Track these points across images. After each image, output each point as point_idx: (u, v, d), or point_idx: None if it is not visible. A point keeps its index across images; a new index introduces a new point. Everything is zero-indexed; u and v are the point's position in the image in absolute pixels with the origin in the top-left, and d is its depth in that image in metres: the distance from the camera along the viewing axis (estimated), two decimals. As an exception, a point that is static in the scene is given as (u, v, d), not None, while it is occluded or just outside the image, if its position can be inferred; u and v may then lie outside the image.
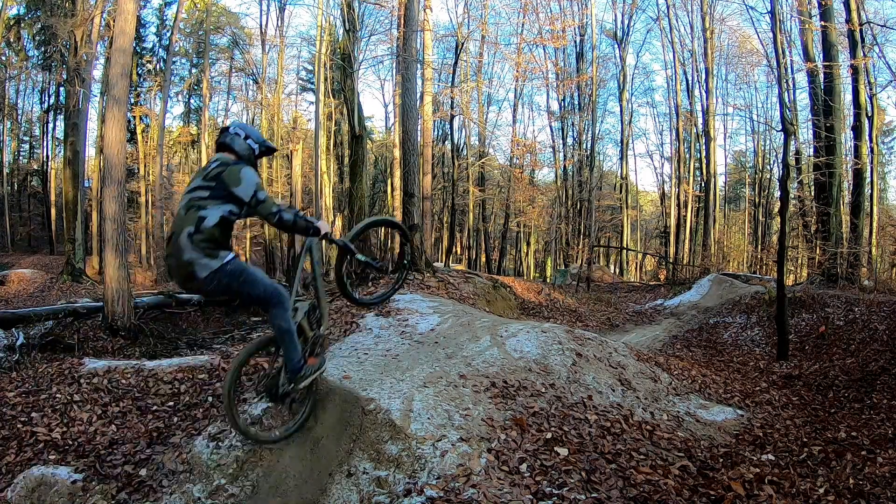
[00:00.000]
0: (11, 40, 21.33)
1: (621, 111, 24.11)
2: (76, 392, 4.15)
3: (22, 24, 21.36)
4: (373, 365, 4.17)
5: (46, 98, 24.94)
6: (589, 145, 22.35)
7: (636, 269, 28.79)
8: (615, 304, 12.41)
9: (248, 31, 25.02)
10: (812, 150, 13.87)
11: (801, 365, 6.28)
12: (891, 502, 2.66)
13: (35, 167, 27.04)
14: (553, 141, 24.27)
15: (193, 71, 25.62)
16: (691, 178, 22.85)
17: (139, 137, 23.59)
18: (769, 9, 7.65)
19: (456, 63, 17.10)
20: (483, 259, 23.81)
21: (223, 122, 26.88)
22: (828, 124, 11.32)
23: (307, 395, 3.10)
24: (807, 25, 12.12)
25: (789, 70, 13.13)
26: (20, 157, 27.48)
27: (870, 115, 13.07)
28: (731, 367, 6.36)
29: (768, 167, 25.00)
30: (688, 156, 22.72)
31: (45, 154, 25.89)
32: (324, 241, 3.29)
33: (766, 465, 3.12)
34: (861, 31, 11.60)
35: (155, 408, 4.05)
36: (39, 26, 21.05)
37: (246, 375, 3.73)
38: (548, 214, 24.66)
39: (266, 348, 3.10)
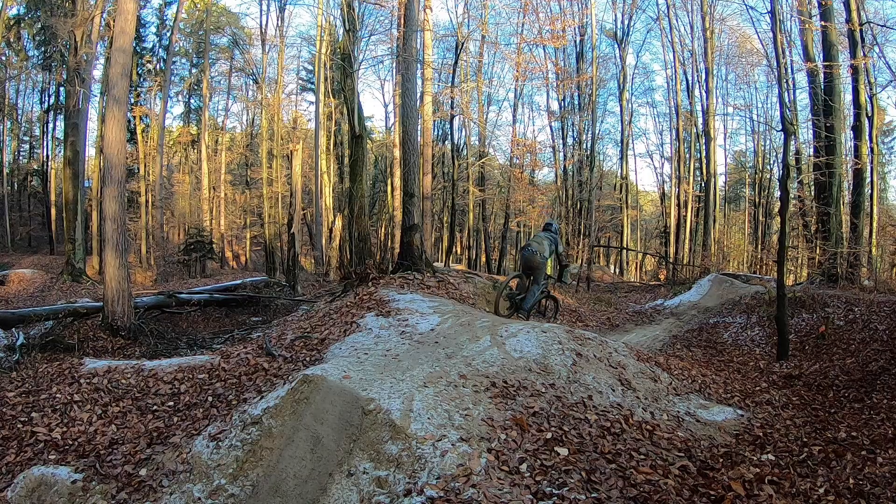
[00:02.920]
0: (11, 40, 21.33)
1: (621, 111, 24.12)
2: (76, 392, 4.15)
3: (22, 24, 21.36)
4: (373, 365, 4.17)
5: (46, 98, 24.96)
6: (589, 145, 22.35)
7: (636, 269, 28.79)
8: (615, 304, 12.41)
9: (248, 31, 25.04)
10: (812, 150, 13.88)
11: (801, 365, 6.28)
12: (891, 502, 2.65)
13: (35, 167, 27.04)
14: (553, 141, 24.28)
15: (193, 71, 25.63)
16: (691, 178, 22.84)
17: (139, 137, 23.59)
18: (769, 9, 7.64)
19: (456, 63, 17.10)
20: (483, 259, 23.80)
21: (223, 122, 26.91)
22: (828, 124, 11.31)
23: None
24: (807, 25, 12.12)
25: (789, 70, 13.13)
26: (20, 157, 27.48)
27: (870, 115, 13.07)
28: (731, 367, 6.36)
29: (768, 167, 25.00)
30: (688, 156, 22.71)
31: (45, 154, 25.90)
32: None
33: (766, 465, 3.12)
34: (861, 31, 11.60)
35: (155, 408, 4.05)
36: (39, 26, 21.06)
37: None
38: (548, 214, 24.65)
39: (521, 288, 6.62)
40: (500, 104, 26.90)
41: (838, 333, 7.27)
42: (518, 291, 6.55)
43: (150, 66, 24.43)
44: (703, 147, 20.56)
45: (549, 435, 3.15)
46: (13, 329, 6.88)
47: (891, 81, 13.59)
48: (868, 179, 12.98)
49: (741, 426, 3.96)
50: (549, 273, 6.60)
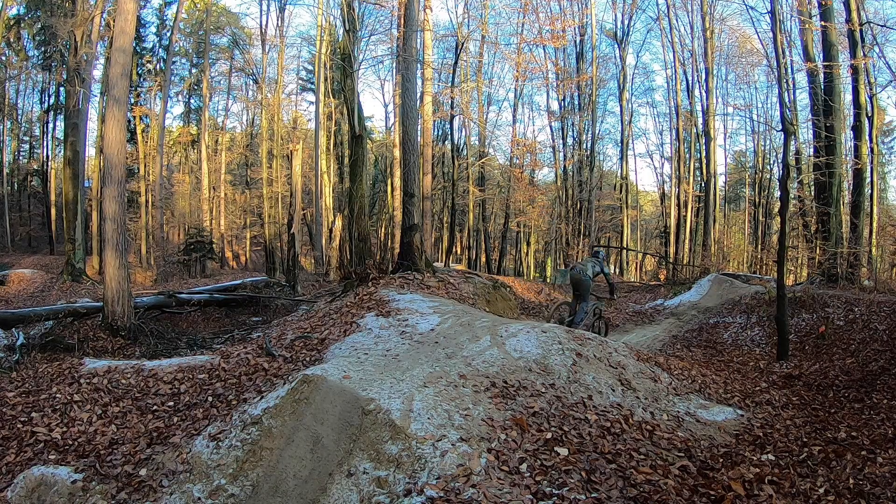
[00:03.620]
0: (11, 40, 21.33)
1: (621, 111, 24.11)
2: (76, 392, 4.15)
3: (22, 24, 21.36)
4: (373, 365, 4.17)
5: (46, 98, 24.96)
6: (589, 145, 22.35)
7: (636, 269, 28.79)
8: (615, 304, 12.39)
9: (248, 31, 25.05)
10: (812, 150, 13.88)
11: (801, 365, 6.28)
12: (891, 502, 2.65)
13: (35, 167, 27.04)
14: (553, 141, 24.27)
15: (193, 71, 25.62)
16: (691, 178, 22.84)
17: (139, 137, 23.59)
18: (769, 9, 7.64)
19: (456, 63, 17.10)
20: (483, 259, 23.80)
21: (223, 122, 26.91)
22: (828, 124, 11.31)
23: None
24: (807, 25, 12.12)
25: (789, 70, 13.13)
26: (20, 157, 27.48)
27: (870, 115, 13.07)
28: (731, 367, 6.36)
29: (768, 167, 24.99)
30: (688, 156, 22.71)
31: (45, 154, 25.90)
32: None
33: (766, 465, 3.12)
34: (861, 31, 11.60)
35: (155, 408, 4.05)
36: (39, 26, 21.06)
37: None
38: (548, 214, 24.65)
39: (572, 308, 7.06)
40: (500, 104, 26.94)
41: (838, 333, 7.27)
42: (570, 314, 7.12)
43: (150, 66, 24.43)
44: (703, 147, 20.56)
45: (549, 435, 3.15)
46: (13, 329, 6.88)
47: (891, 81, 13.59)
48: (868, 179, 12.98)
49: (741, 426, 3.96)
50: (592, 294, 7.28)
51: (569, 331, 4.89)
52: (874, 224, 13.53)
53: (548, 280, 21.08)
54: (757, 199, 25.20)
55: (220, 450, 3.04)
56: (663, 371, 4.80)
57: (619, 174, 26.68)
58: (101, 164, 9.83)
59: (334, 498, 2.76)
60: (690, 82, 21.48)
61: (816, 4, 11.75)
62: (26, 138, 27.65)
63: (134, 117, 23.42)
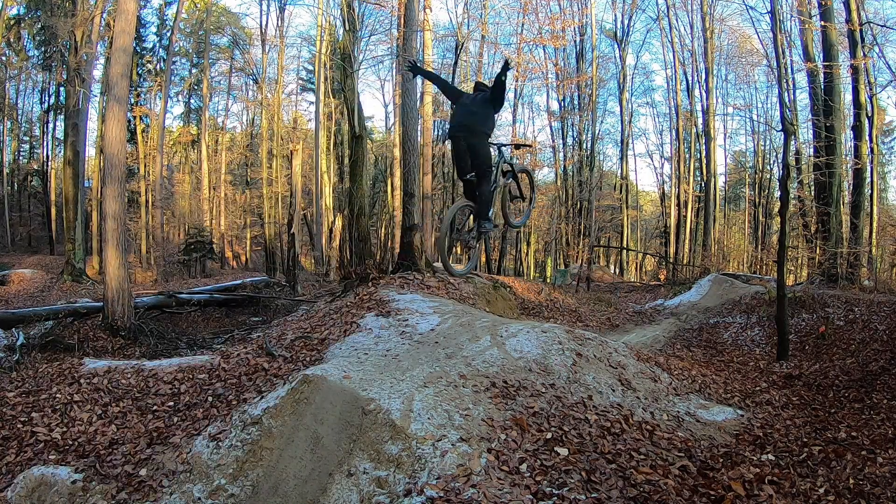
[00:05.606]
0: (11, 40, 21.32)
1: (621, 111, 24.13)
2: (76, 392, 4.15)
3: (22, 24, 21.36)
4: (373, 365, 4.17)
5: (46, 98, 24.95)
6: (589, 145, 22.36)
7: (636, 269, 28.78)
8: (615, 304, 12.40)
9: (248, 31, 25.05)
10: (812, 150, 13.87)
11: (801, 365, 6.28)
12: (891, 502, 2.65)
13: (35, 167, 27.03)
14: (553, 141, 24.27)
15: (193, 71, 25.62)
16: (691, 178, 22.84)
17: (139, 137, 23.59)
18: (769, 9, 7.65)
19: (456, 63, 17.09)
20: (483, 259, 23.78)
21: (223, 122, 26.93)
22: (828, 124, 11.31)
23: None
24: (807, 25, 12.12)
25: (789, 70, 13.13)
26: (20, 157, 27.46)
27: (870, 114, 13.06)
28: (731, 367, 6.35)
29: (768, 167, 24.99)
30: (688, 156, 22.71)
31: (45, 154, 25.89)
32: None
33: (766, 465, 3.12)
34: (861, 31, 11.59)
35: (155, 408, 4.05)
36: (39, 26, 21.05)
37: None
38: (548, 214, 24.65)
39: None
40: (500, 104, 26.81)
41: (838, 333, 7.26)
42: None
43: (150, 66, 24.44)
44: (703, 147, 20.58)
45: (549, 435, 3.15)
46: (13, 329, 6.88)
47: (891, 81, 13.58)
48: (868, 179, 12.98)
49: (741, 426, 3.96)
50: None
51: (569, 330, 4.89)
52: (874, 224, 13.52)
53: (548, 280, 21.06)
54: (757, 199, 25.20)
55: (220, 450, 3.04)
56: (663, 371, 4.80)
57: (619, 174, 26.69)
58: (102, 163, 9.84)
59: (334, 498, 2.76)
60: (690, 82, 21.50)
61: (816, 4, 11.75)
62: (26, 138, 27.64)
63: (134, 117, 23.41)
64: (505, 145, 4.75)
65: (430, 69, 14.29)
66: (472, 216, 4.43)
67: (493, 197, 4.48)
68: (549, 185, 26.30)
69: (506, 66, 4.22)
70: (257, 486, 2.83)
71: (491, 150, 4.39)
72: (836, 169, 11.60)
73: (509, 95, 24.98)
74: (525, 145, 5.53)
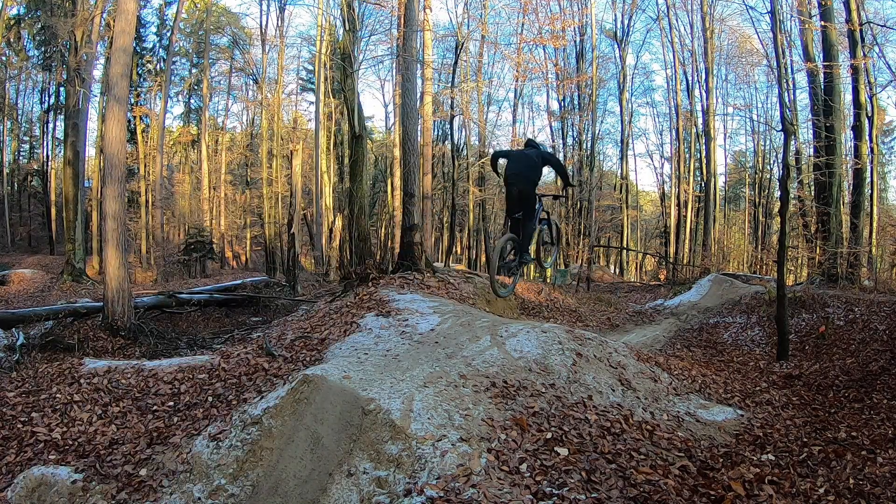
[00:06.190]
0: (11, 40, 21.32)
1: (621, 111, 24.13)
2: (76, 392, 4.15)
3: (22, 24, 21.36)
4: (373, 365, 4.17)
5: (46, 98, 24.96)
6: (589, 145, 22.37)
7: (636, 269, 28.78)
8: (615, 304, 12.40)
9: (248, 31, 25.03)
10: (812, 150, 13.87)
11: (801, 365, 6.28)
12: (891, 502, 2.65)
13: (35, 167, 27.03)
14: (553, 141, 24.26)
15: (193, 71, 25.62)
16: (691, 178, 22.84)
17: (139, 137, 23.59)
18: (769, 9, 7.64)
19: (456, 63, 17.07)
20: (483, 259, 23.78)
21: (223, 122, 26.93)
22: (828, 124, 11.31)
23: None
24: (807, 25, 12.12)
25: (789, 70, 13.13)
26: (20, 157, 27.47)
27: (870, 114, 13.06)
28: (731, 367, 6.35)
29: (768, 167, 24.99)
30: (688, 156, 22.71)
31: (45, 154, 25.90)
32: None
33: (766, 465, 3.12)
34: (861, 31, 11.59)
35: (155, 408, 4.05)
36: (39, 26, 21.05)
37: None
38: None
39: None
40: (500, 104, 26.89)
41: (838, 333, 7.26)
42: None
43: (150, 66, 24.44)
44: (703, 147, 20.57)
45: (549, 435, 3.15)
46: (13, 329, 6.88)
47: (891, 81, 13.58)
48: (868, 179, 12.98)
49: (741, 426, 3.96)
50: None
51: (569, 330, 4.89)
52: (874, 224, 13.52)
53: (548, 280, 21.07)
54: (757, 199, 25.20)
55: (220, 450, 3.04)
56: (663, 371, 4.80)
57: (619, 174, 26.69)
58: (102, 163, 9.84)
59: (334, 498, 2.76)
60: (690, 82, 21.49)
61: (816, 4, 11.75)
62: (26, 138, 27.65)
63: (134, 117, 23.42)
64: (545, 196, 5.75)
65: (429, 69, 14.34)
66: (514, 249, 5.32)
67: (533, 235, 5.39)
68: (549, 185, 26.30)
69: (567, 186, 5.87)
70: (257, 486, 2.83)
71: (536, 196, 5.33)
72: (836, 169, 11.60)
73: (510, 95, 25.08)
74: (561, 196, 6.35)
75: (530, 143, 5.51)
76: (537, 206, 5.34)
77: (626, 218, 25.38)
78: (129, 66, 7.54)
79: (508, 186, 5.22)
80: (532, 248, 5.48)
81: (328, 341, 5.54)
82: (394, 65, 20.35)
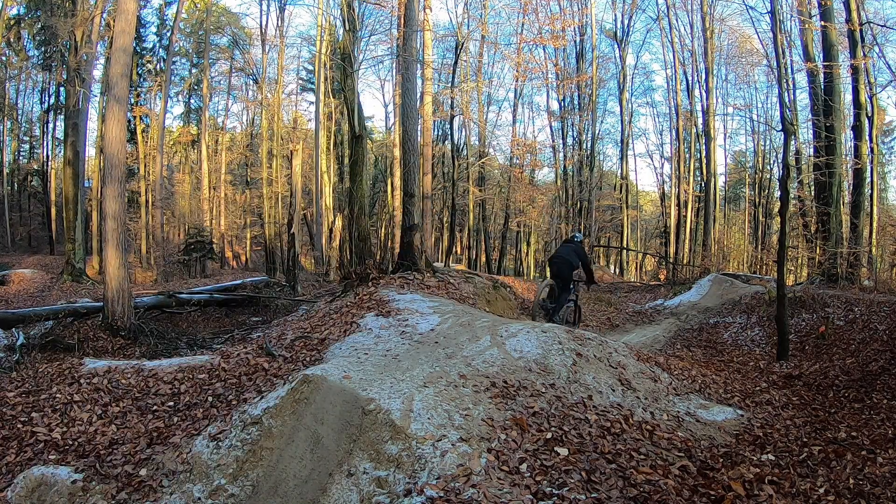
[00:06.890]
0: (11, 40, 21.32)
1: (621, 111, 24.15)
2: (76, 392, 4.15)
3: (22, 24, 21.35)
4: (373, 365, 4.17)
5: (46, 98, 24.97)
6: (589, 145, 22.38)
7: (636, 269, 28.78)
8: (615, 304, 12.40)
9: (248, 31, 25.05)
10: (812, 150, 13.88)
11: (801, 365, 6.28)
12: (891, 502, 2.66)
13: (35, 167, 27.04)
14: (553, 141, 24.29)
15: (193, 71, 25.63)
16: (691, 178, 22.85)
17: (139, 137, 23.59)
18: (769, 9, 7.64)
19: (456, 63, 17.09)
20: (483, 259, 23.80)
21: (223, 122, 26.93)
22: (828, 124, 11.31)
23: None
24: (807, 25, 12.12)
25: (789, 70, 13.14)
26: (20, 157, 27.48)
27: (870, 114, 13.06)
28: (731, 367, 6.35)
29: (768, 167, 24.99)
30: (688, 156, 22.72)
31: (45, 154, 25.90)
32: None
33: (766, 465, 3.12)
34: (861, 31, 11.59)
35: (155, 408, 4.05)
36: (39, 26, 21.04)
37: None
38: (548, 214, 24.66)
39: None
40: (500, 104, 26.94)
41: (838, 333, 7.26)
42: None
43: (150, 66, 24.44)
44: (703, 147, 20.57)
45: (549, 435, 3.15)
46: (13, 329, 6.88)
47: (891, 81, 13.59)
48: (868, 179, 12.97)
49: (741, 426, 3.96)
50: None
51: (569, 331, 4.90)
52: (874, 224, 13.52)
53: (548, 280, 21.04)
54: (757, 199, 25.21)
55: (220, 450, 3.04)
56: (663, 371, 4.81)
57: (619, 174, 26.70)
58: (102, 163, 9.84)
59: (334, 498, 2.76)
60: (690, 82, 21.50)
61: (816, 4, 11.76)
62: (26, 138, 27.66)
63: (134, 117, 23.42)
64: (578, 281, 7.40)
65: (429, 69, 14.32)
66: (552, 295, 7.02)
67: (564, 304, 7.11)
68: (549, 184, 26.30)
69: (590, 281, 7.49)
70: (257, 486, 2.83)
71: (573, 275, 7.17)
72: (836, 169, 11.61)
73: (510, 95, 25.09)
74: (582, 282, 7.82)
75: (570, 241, 7.60)
76: (571, 286, 7.18)
77: (626, 218, 25.39)
78: (129, 66, 7.54)
79: (549, 265, 7.49)
80: (560, 314, 7.12)
81: (328, 341, 5.55)
82: (394, 65, 20.36)
